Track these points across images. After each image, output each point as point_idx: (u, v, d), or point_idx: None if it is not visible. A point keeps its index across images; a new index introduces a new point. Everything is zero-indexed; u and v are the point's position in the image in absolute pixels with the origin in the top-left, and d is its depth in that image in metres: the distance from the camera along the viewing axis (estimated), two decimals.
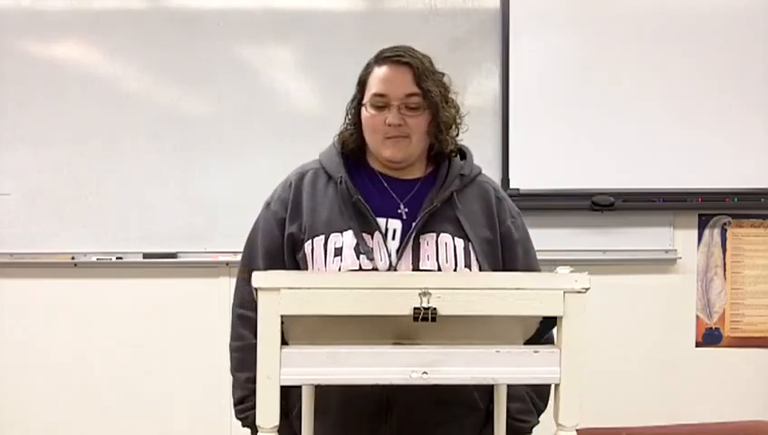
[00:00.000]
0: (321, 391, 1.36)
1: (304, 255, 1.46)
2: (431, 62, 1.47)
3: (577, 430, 1.07)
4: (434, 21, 2.60)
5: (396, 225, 1.44)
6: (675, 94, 2.60)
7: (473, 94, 2.54)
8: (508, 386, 1.34)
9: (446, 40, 2.56)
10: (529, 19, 2.59)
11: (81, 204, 2.60)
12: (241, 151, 2.60)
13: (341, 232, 1.43)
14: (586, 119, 2.60)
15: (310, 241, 1.45)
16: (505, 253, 1.49)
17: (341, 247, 1.42)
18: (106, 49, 2.60)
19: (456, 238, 1.43)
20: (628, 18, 2.60)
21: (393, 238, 1.43)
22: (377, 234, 1.42)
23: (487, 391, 1.47)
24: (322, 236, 1.44)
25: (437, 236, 1.43)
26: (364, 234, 1.42)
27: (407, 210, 1.46)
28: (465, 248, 1.43)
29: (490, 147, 2.56)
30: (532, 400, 1.48)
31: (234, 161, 2.60)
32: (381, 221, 1.44)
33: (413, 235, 1.41)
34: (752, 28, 2.61)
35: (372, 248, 1.41)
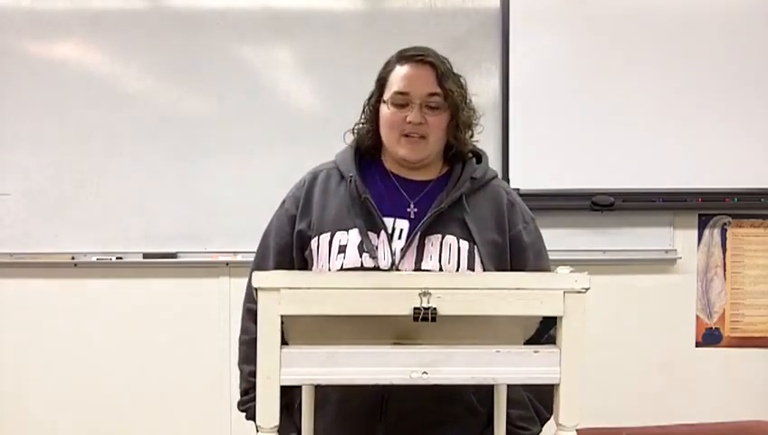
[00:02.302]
0: (321, 387, 1.36)
1: (311, 251, 1.47)
2: (450, 65, 1.49)
3: (577, 430, 1.06)
4: (434, 21, 2.60)
5: (403, 225, 1.45)
6: (675, 94, 2.60)
7: (473, 94, 2.53)
8: (510, 391, 1.34)
9: (446, 40, 2.56)
10: (529, 19, 2.59)
11: (81, 204, 2.60)
12: (241, 151, 2.60)
13: (347, 230, 1.44)
14: (586, 119, 2.60)
15: (316, 238, 1.47)
16: (515, 257, 1.48)
17: (346, 245, 1.43)
18: (106, 49, 2.61)
19: (461, 241, 1.43)
20: (628, 18, 2.60)
21: (399, 238, 1.44)
22: (383, 233, 1.43)
23: (489, 395, 1.46)
24: (328, 234, 1.45)
25: (443, 238, 1.43)
26: (370, 232, 1.43)
27: (416, 210, 1.47)
28: (469, 251, 1.43)
29: (490, 147, 2.54)
30: (534, 406, 1.46)
31: (234, 161, 2.60)
32: (389, 221, 1.45)
33: (418, 235, 1.42)
34: (752, 28, 2.61)
35: (376, 247, 1.41)
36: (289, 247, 1.51)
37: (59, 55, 2.60)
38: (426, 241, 1.43)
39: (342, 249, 1.43)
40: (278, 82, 2.64)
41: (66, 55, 2.61)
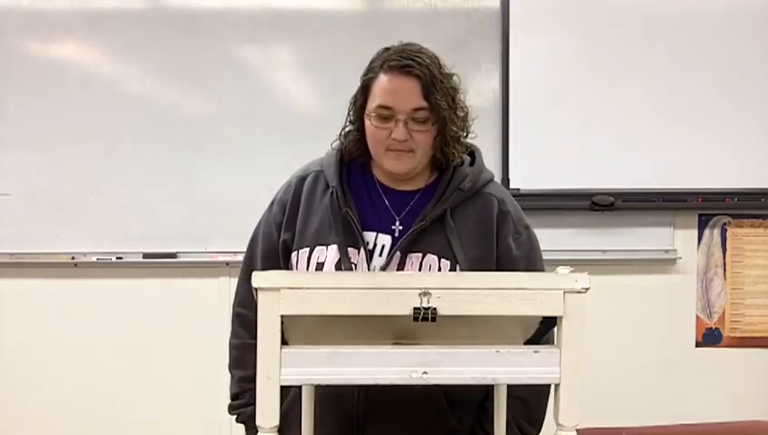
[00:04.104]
0: (298, 405, 1.34)
1: (291, 265, 1.45)
2: (439, 64, 1.39)
3: (577, 430, 1.06)
4: (434, 21, 2.60)
5: (385, 240, 1.41)
6: (675, 94, 2.60)
7: (473, 94, 2.50)
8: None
9: (446, 40, 2.56)
10: (529, 19, 2.59)
11: (81, 204, 2.60)
12: (241, 151, 2.60)
13: (327, 246, 1.41)
14: (586, 119, 2.60)
15: (296, 252, 1.44)
16: (504, 269, 1.41)
17: (324, 263, 1.40)
18: (106, 49, 2.61)
19: (442, 260, 1.39)
20: (628, 18, 2.60)
21: (380, 255, 1.40)
22: (362, 250, 1.39)
23: (471, 411, 1.46)
24: (307, 249, 1.42)
25: (423, 257, 1.39)
26: (350, 249, 1.39)
27: (401, 227, 1.42)
28: (450, 270, 1.38)
29: (490, 147, 2.55)
30: (519, 426, 1.43)
31: (234, 161, 2.60)
32: (371, 235, 1.41)
33: (397, 253, 1.38)
34: (752, 28, 2.61)
35: (355, 264, 1.38)
36: (276, 253, 1.48)
37: (59, 55, 2.60)
38: (406, 259, 1.38)
39: (320, 267, 1.39)
40: (278, 82, 2.64)
41: (66, 55, 2.61)
